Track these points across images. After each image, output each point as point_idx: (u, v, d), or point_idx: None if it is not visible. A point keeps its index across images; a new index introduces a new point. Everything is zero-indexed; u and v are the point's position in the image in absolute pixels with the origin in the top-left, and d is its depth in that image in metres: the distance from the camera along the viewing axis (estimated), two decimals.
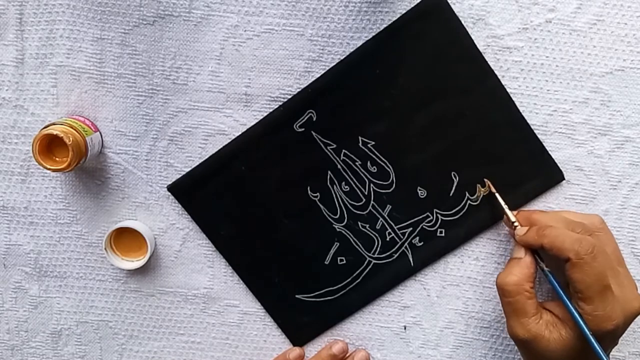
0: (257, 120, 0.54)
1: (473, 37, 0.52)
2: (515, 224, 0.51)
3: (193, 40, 0.53)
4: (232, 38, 0.53)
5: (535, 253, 0.49)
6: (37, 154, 0.49)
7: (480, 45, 0.52)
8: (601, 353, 0.44)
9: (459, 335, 0.56)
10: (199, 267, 0.56)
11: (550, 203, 0.54)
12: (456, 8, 0.52)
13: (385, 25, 0.52)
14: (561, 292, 0.47)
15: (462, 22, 0.52)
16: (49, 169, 0.49)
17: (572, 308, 0.46)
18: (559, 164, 0.54)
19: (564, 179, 0.54)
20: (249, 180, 0.54)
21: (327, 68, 0.53)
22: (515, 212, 0.52)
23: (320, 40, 0.53)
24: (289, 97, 0.53)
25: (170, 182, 0.55)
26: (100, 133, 0.54)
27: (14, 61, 0.54)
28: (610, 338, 0.46)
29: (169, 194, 0.55)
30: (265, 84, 0.54)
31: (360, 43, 0.53)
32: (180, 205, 0.55)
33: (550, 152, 0.54)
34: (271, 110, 0.54)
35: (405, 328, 0.57)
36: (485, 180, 0.53)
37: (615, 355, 0.56)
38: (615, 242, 0.49)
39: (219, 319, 0.57)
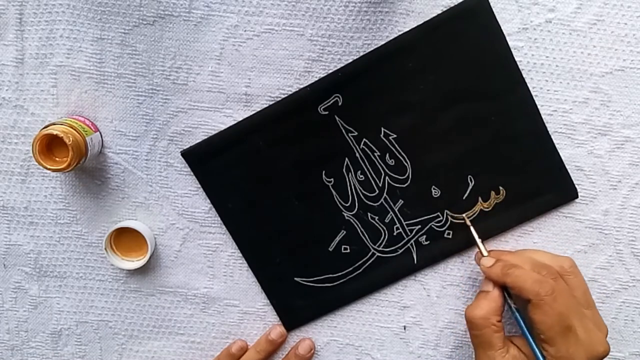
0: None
1: None
2: (485, 253, 0.51)
3: (193, 40, 0.53)
4: (232, 38, 0.53)
5: (504, 288, 0.49)
6: (37, 154, 0.49)
7: None
8: None
9: (459, 335, 0.56)
10: (199, 267, 0.56)
11: None
12: None
13: (384, 25, 0.52)
14: (526, 331, 0.47)
15: (502, 28, 0.52)
16: (49, 169, 0.49)
17: (535, 348, 0.46)
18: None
19: (577, 196, 0.54)
20: (265, 156, 0.54)
21: (328, 68, 0.53)
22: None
23: (320, 40, 0.53)
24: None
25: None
26: (100, 133, 0.54)
27: (14, 61, 0.54)
28: None
29: (169, 193, 0.55)
30: (265, 84, 0.54)
31: (360, 43, 0.53)
32: (180, 205, 0.55)
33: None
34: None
35: (405, 328, 0.57)
36: (467, 220, 0.54)
37: (615, 355, 0.56)
38: (585, 284, 0.49)
39: (219, 319, 0.57)
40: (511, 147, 0.53)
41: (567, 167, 0.54)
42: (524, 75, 0.53)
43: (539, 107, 0.53)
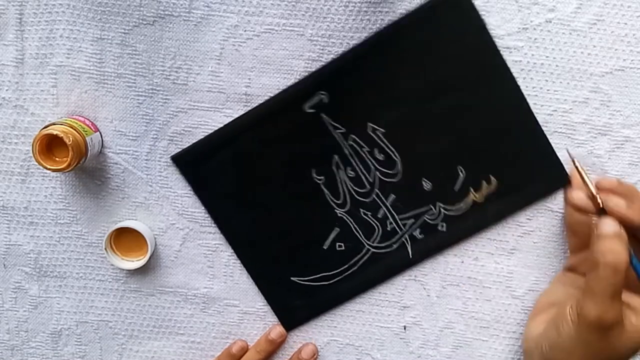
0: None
1: None
2: (596, 193, 0.48)
3: (193, 40, 0.53)
4: (232, 38, 0.53)
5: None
6: (37, 154, 0.49)
7: None
8: None
9: (459, 335, 0.56)
10: (199, 267, 0.56)
11: (548, 203, 0.54)
12: None
13: (384, 25, 0.52)
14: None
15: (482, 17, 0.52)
16: (49, 169, 0.49)
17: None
18: None
19: (569, 182, 0.54)
20: (254, 157, 0.54)
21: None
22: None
23: (320, 40, 0.53)
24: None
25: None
26: (100, 133, 0.54)
27: (14, 61, 0.54)
28: None
29: (169, 193, 0.55)
30: (265, 84, 0.54)
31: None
32: (180, 205, 0.55)
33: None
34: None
35: (405, 328, 0.57)
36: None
37: None
38: None
39: (219, 319, 0.57)
40: (500, 136, 0.53)
41: (567, 167, 0.54)
42: (524, 76, 0.53)
43: (539, 107, 0.53)
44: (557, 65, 0.53)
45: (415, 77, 0.52)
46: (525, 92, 0.53)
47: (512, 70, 0.53)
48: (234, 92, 0.54)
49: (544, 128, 0.53)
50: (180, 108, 0.54)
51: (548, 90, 0.53)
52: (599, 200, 0.47)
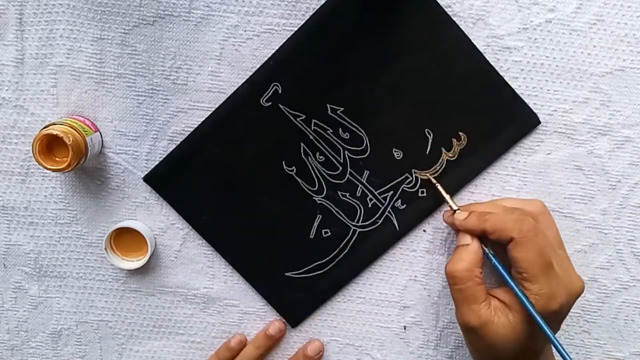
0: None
1: (472, 37, 0.52)
2: (455, 208, 0.51)
3: (193, 40, 0.53)
4: (232, 38, 0.53)
5: (479, 239, 0.49)
6: (37, 154, 0.49)
7: (480, 45, 0.52)
8: (548, 331, 0.44)
9: (459, 335, 0.56)
10: (199, 267, 0.56)
11: (550, 203, 0.54)
12: (456, 8, 0.52)
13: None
14: (505, 274, 0.47)
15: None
16: (49, 169, 0.49)
17: (517, 289, 0.46)
18: (558, 163, 0.54)
19: (539, 122, 0.53)
20: (223, 161, 0.54)
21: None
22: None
23: None
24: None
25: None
26: (100, 133, 0.54)
27: (14, 61, 0.54)
28: (555, 319, 0.46)
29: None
30: None
31: None
32: None
33: (549, 150, 0.54)
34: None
35: (405, 328, 0.57)
36: (431, 178, 0.53)
37: (615, 355, 0.56)
38: (555, 226, 0.49)
39: (219, 319, 0.57)
40: (458, 89, 0.53)
41: (566, 166, 0.54)
42: (524, 76, 0.53)
43: (539, 107, 0.53)
44: (557, 65, 0.53)
45: (361, 49, 0.52)
46: (525, 92, 0.53)
47: (512, 70, 0.53)
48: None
49: (544, 128, 0.53)
50: (180, 108, 0.54)
51: (548, 90, 0.53)
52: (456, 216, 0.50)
